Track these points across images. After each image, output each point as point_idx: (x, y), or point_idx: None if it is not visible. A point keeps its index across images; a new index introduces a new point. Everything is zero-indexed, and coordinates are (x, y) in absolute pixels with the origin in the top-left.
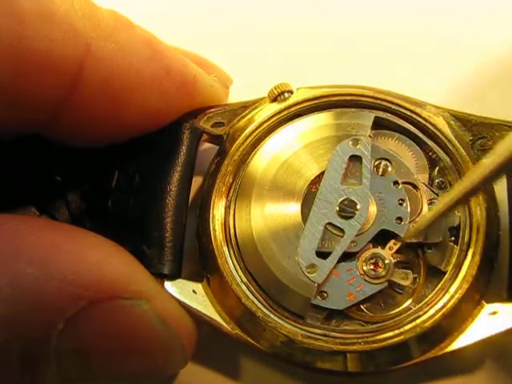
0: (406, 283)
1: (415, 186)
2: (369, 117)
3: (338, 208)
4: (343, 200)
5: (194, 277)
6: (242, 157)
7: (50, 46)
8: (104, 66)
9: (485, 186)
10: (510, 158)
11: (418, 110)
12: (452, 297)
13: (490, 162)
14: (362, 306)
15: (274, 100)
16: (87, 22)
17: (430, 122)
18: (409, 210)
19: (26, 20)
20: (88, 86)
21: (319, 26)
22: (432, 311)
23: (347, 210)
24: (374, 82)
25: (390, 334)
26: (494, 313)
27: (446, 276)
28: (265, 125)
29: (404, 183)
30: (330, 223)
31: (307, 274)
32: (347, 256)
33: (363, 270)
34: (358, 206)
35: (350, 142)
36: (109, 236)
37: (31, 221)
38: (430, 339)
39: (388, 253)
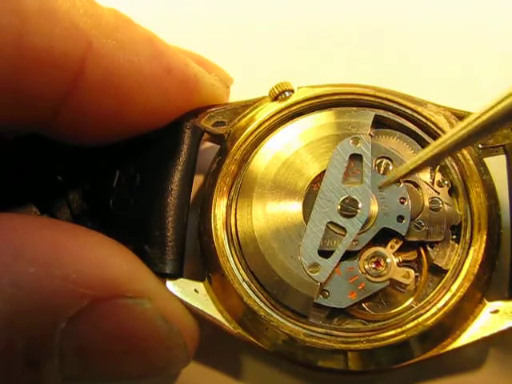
0: (407, 282)
1: (416, 185)
2: (369, 115)
3: (339, 207)
4: (345, 199)
5: (196, 276)
6: (243, 156)
7: (51, 44)
8: (105, 63)
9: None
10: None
11: (419, 108)
12: (454, 295)
13: (470, 120)
14: (363, 305)
15: (275, 99)
16: (88, 20)
17: (431, 121)
18: (410, 208)
19: (28, 17)
20: (89, 84)
21: (319, 26)
22: (434, 309)
23: (349, 208)
24: (374, 81)
25: (392, 332)
26: (496, 311)
27: (448, 274)
28: (266, 124)
29: (405, 182)
30: (331, 222)
31: (310, 274)
32: (349, 255)
33: (365, 269)
34: (360, 205)
35: (351, 141)
36: (110, 235)
37: (33, 219)
38: (431, 338)
39: (389, 251)
